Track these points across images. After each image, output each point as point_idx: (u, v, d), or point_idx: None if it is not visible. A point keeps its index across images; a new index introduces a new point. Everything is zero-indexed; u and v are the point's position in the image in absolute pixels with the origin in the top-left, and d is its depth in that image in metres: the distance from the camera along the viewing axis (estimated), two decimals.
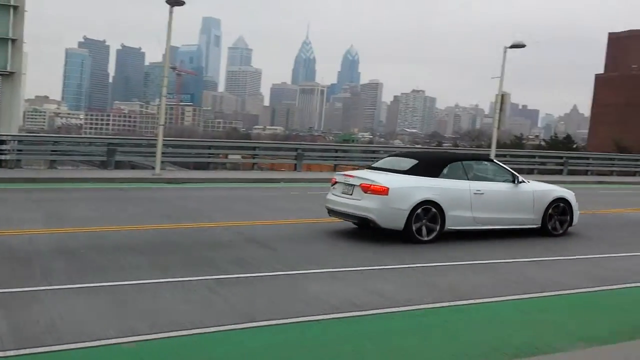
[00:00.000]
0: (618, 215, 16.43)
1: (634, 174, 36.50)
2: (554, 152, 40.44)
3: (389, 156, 13.63)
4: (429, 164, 11.60)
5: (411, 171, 11.32)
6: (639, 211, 17.63)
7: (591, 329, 6.34)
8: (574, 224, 12.66)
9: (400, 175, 11.23)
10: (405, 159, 12.08)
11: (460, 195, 11.16)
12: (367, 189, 10.80)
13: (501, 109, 28.49)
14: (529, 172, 32.85)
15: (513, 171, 12.40)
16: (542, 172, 33.01)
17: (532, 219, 12.14)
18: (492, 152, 28.77)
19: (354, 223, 11.77)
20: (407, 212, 10.61)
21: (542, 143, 74.32)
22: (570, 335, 6.07)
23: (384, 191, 10.65)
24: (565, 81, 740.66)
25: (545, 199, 12.29)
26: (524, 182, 12.21)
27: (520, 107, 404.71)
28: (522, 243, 11.43)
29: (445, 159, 12.15)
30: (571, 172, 33.81)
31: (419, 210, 10.71)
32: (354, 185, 11.09)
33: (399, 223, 10.66)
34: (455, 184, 11.25)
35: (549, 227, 12.26)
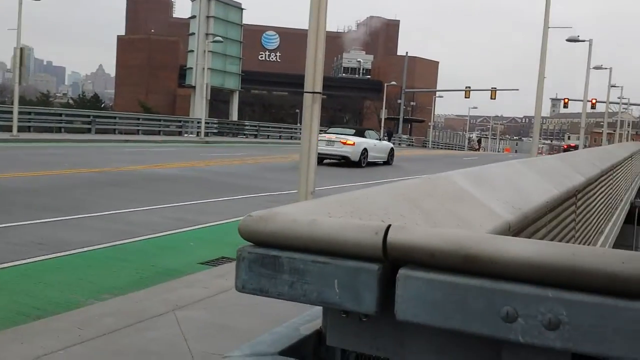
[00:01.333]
0: (143, 171, 17.39)
1: (158, 132, 39.18)
2: (82, 111, 40.20)
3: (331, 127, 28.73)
4: (359, 131, 26.01)
5: (354, 134, 24.92)
6: (169, 167, 19.01)
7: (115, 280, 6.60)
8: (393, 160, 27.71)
9: (352, 136, 24.37)
10: (347, 128, 27.67)
11: (371, 145, 25.20)
12: (345, 143, 23.58)
13: (21, 64, 26.68)
14: (57, 130, 31.91)
15: (379, 135, 27.39)
16: (70, 131, 32.51)
17: (384, 156, 26.80)
18: (15, 109, 26.82)
19: (337, 159, 23.77)
20: (360, 153, 23.88)
21: (71, 101, 72.97)
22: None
23: (353, 144, 23.75)
24: (91, 39, 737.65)
25: (387, 148, 27.53)
26: (382, 139, 28.12)
27: (45, 63, 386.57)
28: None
29: (364, 129, 27.07)
30: (99, 131, 34.23)
31: (363, 152, 24.10)
32: (335, 141, 23.70)
33: (357, 158, 23.76)
34: (369, 141, 25.22)
35: (388, 161, 27.06)
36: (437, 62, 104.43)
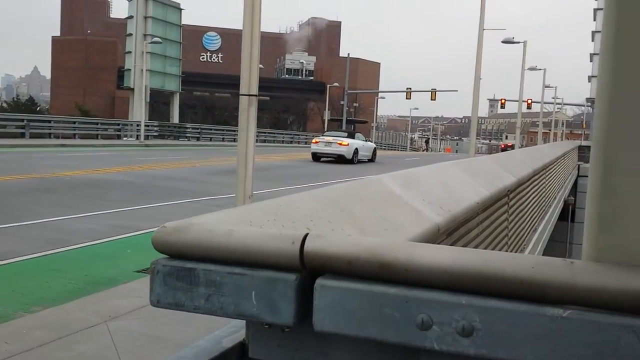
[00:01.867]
0: (79, 177, 16.91)
1: (96, 136, 38.20)
2: (14, 115, 38.79)
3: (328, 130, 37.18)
4: (351, 134, 31.24)
5: (347, 137, 29.92)
6: (106, 172, 18.54)
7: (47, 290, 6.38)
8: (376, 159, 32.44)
9: (345, 138, 29.47)
10: (340, 131, 33.16)
11: (360, 146, 30.17)
12: (341, 144, 28.73)
13: None
14: None
15: (364, 137, 33.39)
16: (3, 136, 31.33)
17: (369, 155, 31.55)
18: None
19: (333, 158, 29.14)
20: (352, 152, 28.95)
21: (5, 105, 70.36)
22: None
23: (347, 145, 28.87)
24: (25, 39, 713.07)
25: (372, 148, 32.48)
26: (367, 140, 33.09)
27: None
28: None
29: (354, 132, 32.85)
30: (34, 136, 33.11)
31: (355, 151, 29.17)
32: (333, 142, 29.05)
33: (350, 156, 28.68)
34: (358, 142, 30.16)
35: (372, 158, 31.87)
36: (379, 64, 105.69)
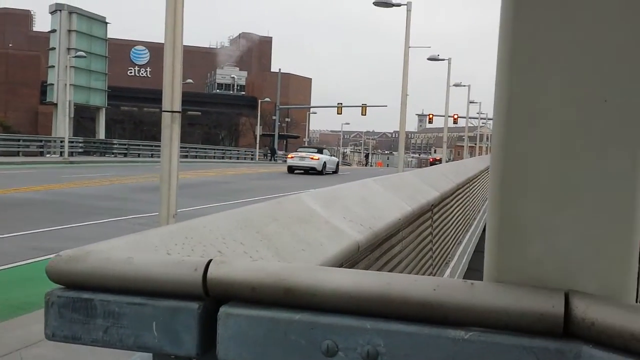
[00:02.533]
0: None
1: (17, 153, 36.69)
2: None
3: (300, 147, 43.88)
4: (319, 150, 37.48)
5: (317, 152, 36.44)
6: (27, 190, 17.77)
7: None
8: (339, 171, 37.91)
9: (316, 154, 35.92)
10: (311, 148, 39.79)
11: (327, 160, 36.55)
12: (312, 158, 34.98)
13: None
14: None
15: (330, 152, 41.69)
16: None
17: (334, 168, 37.75)
18: None
19: (306, 171, 34.63)
20: (322, 165, 34.95)
21: None
22: None
23: (318, 159, 35.13)
24: None
25: (336, 161, 39.05)
26: (332, 155, 40.32)
27: None
28: None
29: (322, 148, 39.47)
30: None
31: (324, 165, 35.36)
32: (306, 157, 35.38)
33: (321, 168, 34.63)
34: (326, 157, 36.43)
35: (336, 170, 37.77)
36: (310, 79, 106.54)
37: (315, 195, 3.19)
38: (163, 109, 5.93)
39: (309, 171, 34.37)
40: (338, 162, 39.41)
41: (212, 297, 1.07)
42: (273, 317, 1.02)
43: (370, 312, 0.99)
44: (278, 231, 2.39)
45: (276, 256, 2.12)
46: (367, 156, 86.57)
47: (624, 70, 0.93)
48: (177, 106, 5.92)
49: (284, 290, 1.03)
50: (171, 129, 5.89)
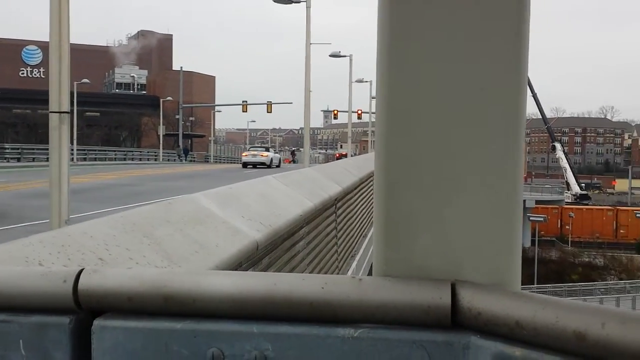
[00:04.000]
0: None
1: None
2: None
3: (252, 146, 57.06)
4: (267, 148, 46.51)
5: (265, 150, 44.37)
6: None
7: None
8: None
9: (264, 151, 43.50)
10: (259, 147, 49.58)
11: (273, 156, 42.72)
12: (262, 155, 41.96)
13: None
14: None
15: (274, 150, 52.70)
16: None
17: (278, 163, 42.92)
18: None
19: (258, 166, 40.25)
20: (270, 160, 41.07)
21: None
22: None
23: (267, 155, 41.76)
24: None
25: (279, 157, 44.93)
26: (276, 153, 47.76)
27: None
28: None
29: (268, 147, 49.53)
30: None
31: (271, 160, 41.54)
32: (257, 154, 42.35)
33: (269, 163, 40.58)
34: (272, 154, 42.92)
35: (279, 165, 42.89)
36: (214, 77, 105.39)
37: (211, 195, 3.10)
38: (50, 110, 5.60)
39: (257, 165, 41.12)
40: (280, 158, 46.20)
41: (85, 309, 1.00)
42: (153, 327, 0.97)
43: (257, 315, 0.95)
44: (169, 234, 2.30)
45: (166, 260, 2.03)
46: (293, 153, 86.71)
47: (498, 68, 0.95)
48: (65, 106, 5.61)
49: (163, 298, 0.98)
50: (59, 131, 5.58)
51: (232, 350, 0.94)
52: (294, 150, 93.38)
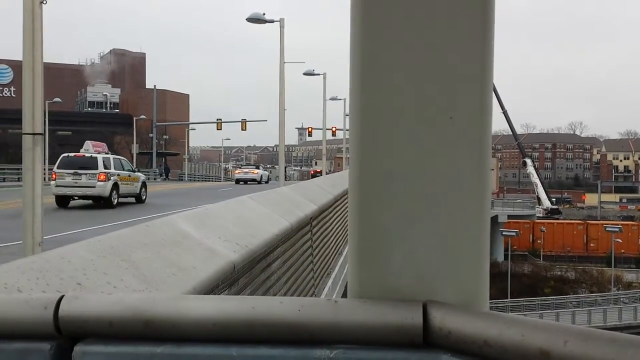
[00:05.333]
0: None
1: None
2: None
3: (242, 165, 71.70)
4: (257, 166, 53.94)
5: (255, 168, 50.12)
6: None
7: None
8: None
9: (255, 169, 48.62)
10: (250, 165, 57.12)
11: (263, 173, 47.73)
12: (253, 172, 46.38)
13: None
14: None
15: (263, 167, 57.12)
16: None
17: (266, 179, 46.79)
18: None
19: (249, 182, 43.72)
20: (260, 177, 45.24)
21: None
22: None
23: (257, 173, 46.15)
24: None
25: (267, 174, 48.97)
26: (265, 170, 51.90)
27: None
28: None
29: (258, 165, 59.01)
30: None
31: (262, 177, 45.55)
32: (248, 172, 47.04)
33: (260, 179, 44.73)
34: (261, 171, 47.75)
35: (267, 181, 45.75)
36: (188, 95, 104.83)
37: (188, 216, 3.11)
38: (23, 132, 5.55)
39: (249, 181, 43.56)
40: (269, 175, 48.94)
41: (66, 335, 1.01)
42: (133, 352, 0.98)
43: (236, 339, 0.97)
44: (147, 257, 2.30)
45: (144, 284, 2.04)
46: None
47: (468, 89, 0.98)
48: (39, 128, 5.57)
49: (143, 323, 0.99)
50: (33, 152, 5.53)
51: None
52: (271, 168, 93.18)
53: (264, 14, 21.42)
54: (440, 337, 0.93)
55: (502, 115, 76.92)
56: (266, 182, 45.47)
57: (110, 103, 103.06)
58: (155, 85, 73.95)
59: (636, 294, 41.35)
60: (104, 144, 23.87)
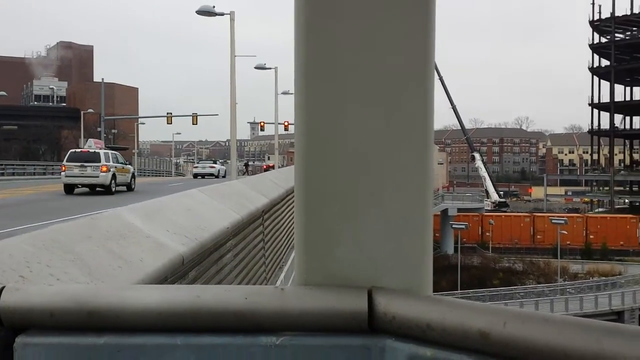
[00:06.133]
0: None
1: None
2: None
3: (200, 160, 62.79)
4: (215, 161, 52.94)
5: (213, 163, 50.87)
6: None
7: None
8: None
9: (213, 164, 50.07)
10: (208, 161, 55.07)
11: (220, 168, 48.73)
12: (211, 167, 48.35)
13: None
14: None
15: (220, 162, 54.51)
16: None
17: (224, 174, 45.00)
18: None
19: (206, 176, 44.78)
20: (217, 171, 46.58)
21: None
22: None
23: (214, 167, 48.21)
24: None
25: (224, 169, 47.00)
26: (222, 164, 51.45)
27: None
28: None
29: (215, 160, 54.33)
30: None
31: (219, 171, 47.26)
32: (207, 166, 48.31)
33: (217, 174, 45.88)
34: (219, 166, 49.35)
35: (225, 175, 42.94)
36: (137, 89, 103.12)
37: (135, 209, 3.07)
38: None
39: (206, 176, 44.18)
40: (226, 170, 47.87)
41: (7, 327, 1.00)
42: (76, 343, 0.97)
43: (181, 328, 0.97)
44: (92, 249, 2.27)
45: (89, 277, 2.01)
46: (247, 165, 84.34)
47: (411, 83, 1.01)
48: None
49: (86, 313, 0.98)
50: None
51: None
52: (247, 162, 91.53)
53: (213, 6, 21.22)
54: (385, 322, 0.95)
55: (452, 110, 78.27)
56: (223, 177, 45.74)
57: (57, 97, 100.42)
58: (103, 79, 72.18)
59: (582, 284, 42.71)
60: (102, 142, 28.60)
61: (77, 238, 2.31)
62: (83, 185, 23.45)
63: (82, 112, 64.71)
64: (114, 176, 23.72)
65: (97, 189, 23.49)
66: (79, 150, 25.79)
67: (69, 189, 23.44)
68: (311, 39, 1.02)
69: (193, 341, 0.96)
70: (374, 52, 1.00)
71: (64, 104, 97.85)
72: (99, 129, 69.68)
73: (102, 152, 24.39)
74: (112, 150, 27.84)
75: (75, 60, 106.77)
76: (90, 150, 24.66)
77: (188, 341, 0.96)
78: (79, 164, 23.16)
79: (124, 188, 25.50)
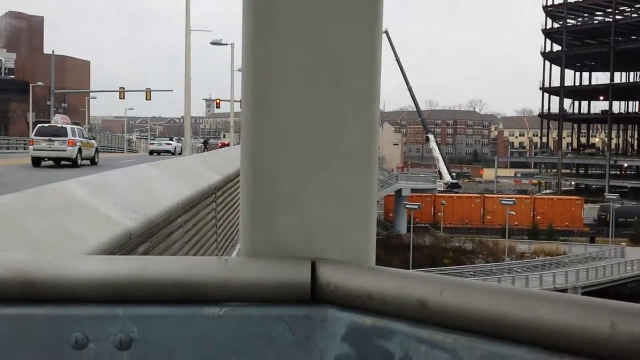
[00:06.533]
0: None
1: None
2: None
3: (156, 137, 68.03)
4: (171, 138, 54.89)
5: (170, 140, 53.10)
6: None
7: None
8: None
9: (170, 141, 50.84)
10: (164, 137, 58.76)
11: (177, 145, 48.41)
12: (168, 144, 48.22)
13: None
14: None
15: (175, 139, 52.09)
16: None
17: (179, 150, 43.04)
18: None
19: (162, 153, 44.15)
20: (174, 149, 45.90)
21: None
22: None
23: (171, 144, 48.17)
24: None
25: (180, 146, 43.84)
26: (177, 142, 49.16)
27: None
28: None
29: (172, 137, 58.69)
30: None
31: (175, 148, 47.61)
32: (163, 143, 49.18)
33: (174, 151, 44.66)
34: (174, 142, 49.84)
35: (181, 153, 36.35)
36: (89, 62, 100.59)
37: (83, 183, 3.03)
38: None
39: (162, 153, 43.90)
40: (181, 147, 47.35)
41: None
42: (15, 314, 0.96)
43: (123, 298, 0.97)
44: (37, 222, 2.24)
45: (33, 250, 1.98)
46: (205, 142, 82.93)
47: (358, 58, 1.03)
48: None
49: (25, 284, 0.97)
50: None
51: (97, 334, 0.95)
52: (206, 140, 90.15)
53: None
54: (327, 292, 0.96)
55: (407, 91, 78.88)
56: (179, 154, 45.71)
57: (5, 69, 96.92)
58: (53, 51, 69.99)
59: (528, 263, 43.96)
60: (67, 117, 29.01)
61: (22, 211, 2.27)
62: (50, 159, 24.10)
63: (31, 85, 62.68)
64: (79, 150, 24.51)
65: (63, 162, 24.14)
66: (47, 124, 26.38)
67: (37, 161, 24.11)
68: (259, 10, 1.02)
69: (135, 311, 0.95)
70: (320, 28, 1.01)
71: (12, 77, 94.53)
72: (48, 103, 67.68)
73: (69, 127, 25.07)
74: None
75: (24, 31, 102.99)
76: (58, 125, 25.35)
77: (129, 312, 0.95)
78: (46, 138, 23.77)
79: (88, 162, 26.35)
